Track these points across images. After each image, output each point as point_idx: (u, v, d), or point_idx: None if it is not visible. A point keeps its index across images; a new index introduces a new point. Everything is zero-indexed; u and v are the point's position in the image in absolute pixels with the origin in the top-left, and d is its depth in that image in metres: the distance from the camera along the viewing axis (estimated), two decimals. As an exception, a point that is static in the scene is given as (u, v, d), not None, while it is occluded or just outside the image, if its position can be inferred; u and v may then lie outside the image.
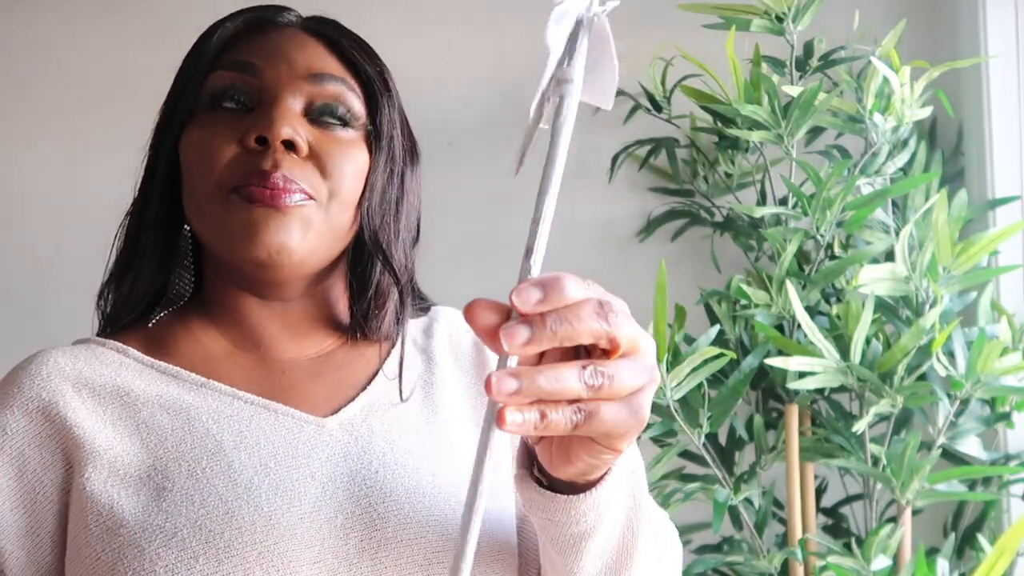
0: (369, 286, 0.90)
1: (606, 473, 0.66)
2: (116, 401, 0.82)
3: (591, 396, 0.55)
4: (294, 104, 0.85)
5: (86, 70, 1.88)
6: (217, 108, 0.85)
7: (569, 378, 0.54)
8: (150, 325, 0.89)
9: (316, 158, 0.84)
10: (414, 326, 0.96)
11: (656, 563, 0.80)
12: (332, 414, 0.86)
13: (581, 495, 0.67)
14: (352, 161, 0.86)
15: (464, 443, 0.89)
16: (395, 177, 0.90)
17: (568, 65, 0.63)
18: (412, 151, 0.94)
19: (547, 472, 0.66)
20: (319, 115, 0.86)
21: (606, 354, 0.57)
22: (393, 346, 0.93)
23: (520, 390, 0.53)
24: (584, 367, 0.55)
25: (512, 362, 0.54)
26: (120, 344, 0.87)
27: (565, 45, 0.63)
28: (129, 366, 0.85)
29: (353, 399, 0.87)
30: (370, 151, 0.88)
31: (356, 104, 0.88)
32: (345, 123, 0.87)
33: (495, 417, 0.53)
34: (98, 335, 0.91)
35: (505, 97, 1.85)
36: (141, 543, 0.75)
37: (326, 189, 0.84)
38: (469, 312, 0.54)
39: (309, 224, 0.83)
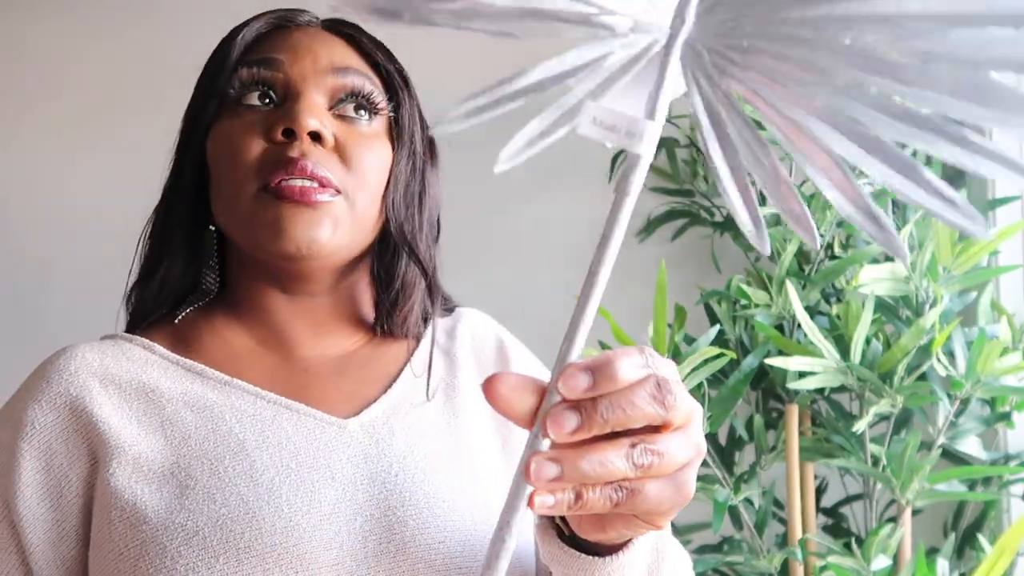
0: (395, 280, 0.91)
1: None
2: (142, 398, 0.83)
3: (638, 476, 0.51)
4: (318, 98, 0.86)
5: (86, 71, 1.88)
6: (243, 105, 0.86)
7: (616, 461, 0.49)
8: (176, 322, 0.90)
9: (341, 150, 0.85)
10: (438, 327, 0.97)
11: None
12: (354, 415, 0.86)
13: (608, 558, 0.63)
14: (376, 154, 0.87)
15: (484, 450, 0.89)
16: (417, 172, 0.92)
17: (646, 120, 0.51)
18: (432, 149, 0.95)
19: (572, 528, 0.62)
20: (343, 108, 0.87)
21: (655, 429, 0.52)
22: (418, 344, 0.94)
23: (562, 476, 0.48)
24: (633, 445, 0.50)
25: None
26: (147, 341, 0.88)
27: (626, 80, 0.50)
28: (155, 363, 0.86)
29: (376, 400, 0.88)
30: (392, 145, 0.90)
31: (379, 97, 0.89)
32: (369, 116, 0.88)
33: (523, 490, 0.47)
34: (126, 331, 0.91)
35: (505, 97, 1.85)
36: (163, 540, 0.76)
37: (352, 182, 0.85)
38: (491, 390, 0.48)
39: (338, 219, 0.84)
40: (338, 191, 0.84)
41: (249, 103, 0.86)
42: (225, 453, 0.80)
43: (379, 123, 0.89)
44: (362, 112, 0.88)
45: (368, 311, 0.93)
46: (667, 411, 0.50)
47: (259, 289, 0.90)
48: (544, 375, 0.95)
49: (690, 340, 1.48)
